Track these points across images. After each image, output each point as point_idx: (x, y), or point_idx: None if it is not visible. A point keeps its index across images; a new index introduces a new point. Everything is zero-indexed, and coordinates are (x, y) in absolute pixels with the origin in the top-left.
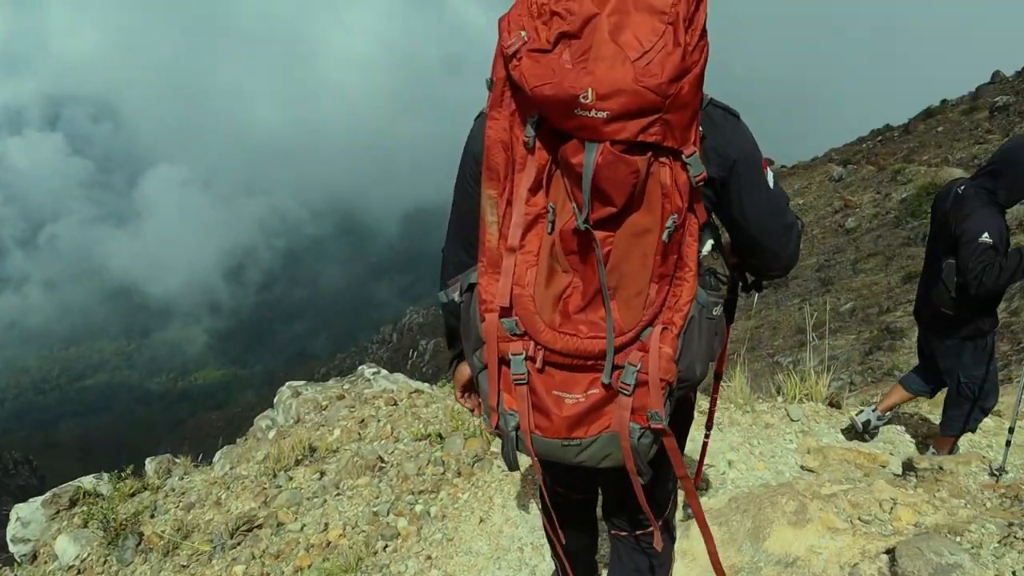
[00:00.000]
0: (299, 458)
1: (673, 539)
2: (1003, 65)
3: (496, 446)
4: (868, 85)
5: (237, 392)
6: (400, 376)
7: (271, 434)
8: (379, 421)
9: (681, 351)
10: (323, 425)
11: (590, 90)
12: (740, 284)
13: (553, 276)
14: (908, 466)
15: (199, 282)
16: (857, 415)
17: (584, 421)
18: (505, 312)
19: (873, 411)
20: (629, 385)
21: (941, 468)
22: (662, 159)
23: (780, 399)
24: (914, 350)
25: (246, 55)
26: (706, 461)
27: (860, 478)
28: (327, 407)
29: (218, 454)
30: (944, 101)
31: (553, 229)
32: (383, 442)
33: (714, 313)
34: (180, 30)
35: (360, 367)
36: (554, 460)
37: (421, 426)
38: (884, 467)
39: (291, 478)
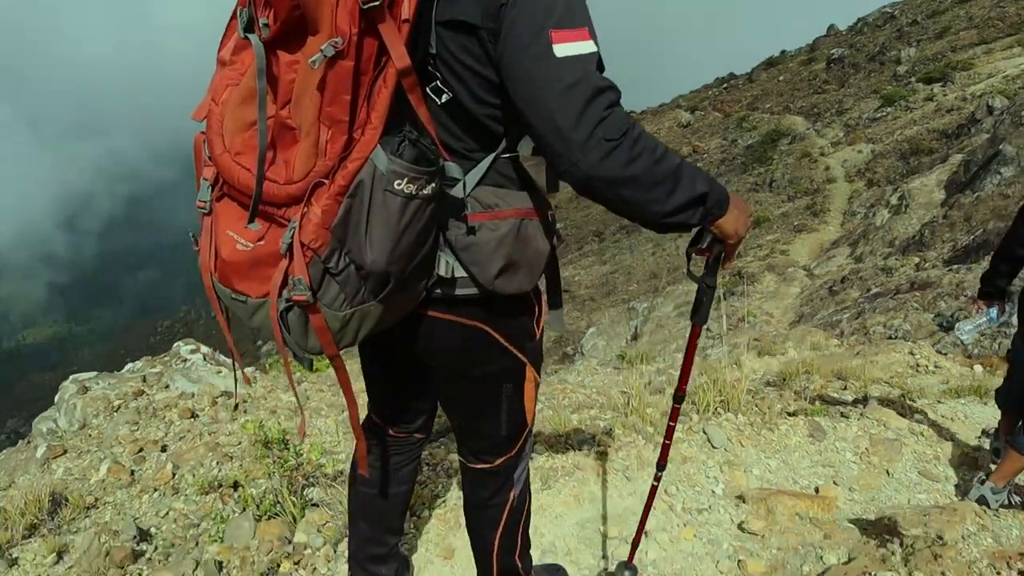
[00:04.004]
0: (35, 522)
1: (514, 482)
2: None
3: (303, 533)
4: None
5: (73, 350)
6: (207, 372)
7: (41, 449)
8: (162, 451)
9: (344, 222)
10: (99, 446)
11: None
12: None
13: (253, 100)
14: (891, 528)
15: (29, 233)
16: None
17: (248, 276)
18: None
19: (990, 487)
20: (285, 245)
21: (940, 538)
22: None
23: (696, 417)
24: (766, 295)
25: None
26: (617, 532)
27: (820, 542)
28: (119, 408)
29: None
30: (784, 52)
31: None
32: (156, 494)
33: (395, 187)
34: None
35: (176, 344)
36: (234, 313)
37: (214, 463)
38: (839, 507)
39: (14, 561)
